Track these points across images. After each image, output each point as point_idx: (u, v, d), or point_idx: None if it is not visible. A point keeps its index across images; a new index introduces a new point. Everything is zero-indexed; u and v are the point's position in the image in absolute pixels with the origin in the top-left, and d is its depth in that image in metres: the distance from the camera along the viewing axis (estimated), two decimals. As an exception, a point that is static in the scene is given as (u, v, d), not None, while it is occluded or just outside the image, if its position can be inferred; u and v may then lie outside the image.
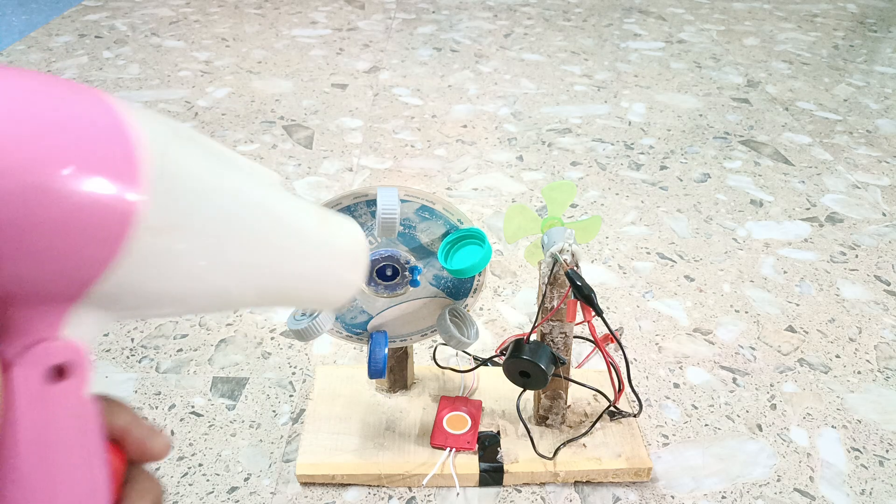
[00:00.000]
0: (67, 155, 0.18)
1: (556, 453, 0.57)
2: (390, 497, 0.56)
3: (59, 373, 0.20)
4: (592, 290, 0.50)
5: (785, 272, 0.84)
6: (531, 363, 0.52)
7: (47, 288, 0.19)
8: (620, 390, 0.55)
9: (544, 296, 0.53)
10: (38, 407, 0.20)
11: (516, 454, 0.58)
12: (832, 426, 0.64)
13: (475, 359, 0.66)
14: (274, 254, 0.24)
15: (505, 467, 0.57)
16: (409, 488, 0.57)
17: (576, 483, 0.58)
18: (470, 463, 0.57)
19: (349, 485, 0.57)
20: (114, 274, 0.19)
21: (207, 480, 0.57)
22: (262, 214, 0.24)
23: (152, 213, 0.19)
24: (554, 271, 0.52)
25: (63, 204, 0.18)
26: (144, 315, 0.23)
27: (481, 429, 0.59)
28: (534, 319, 0.58)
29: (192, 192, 0.21)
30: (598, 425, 0.60)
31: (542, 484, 0.58)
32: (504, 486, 0.57)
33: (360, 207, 0.50)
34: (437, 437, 0.58)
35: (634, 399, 0.63)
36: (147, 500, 0.23)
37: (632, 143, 1.13)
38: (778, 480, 0.59)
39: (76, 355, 0.20)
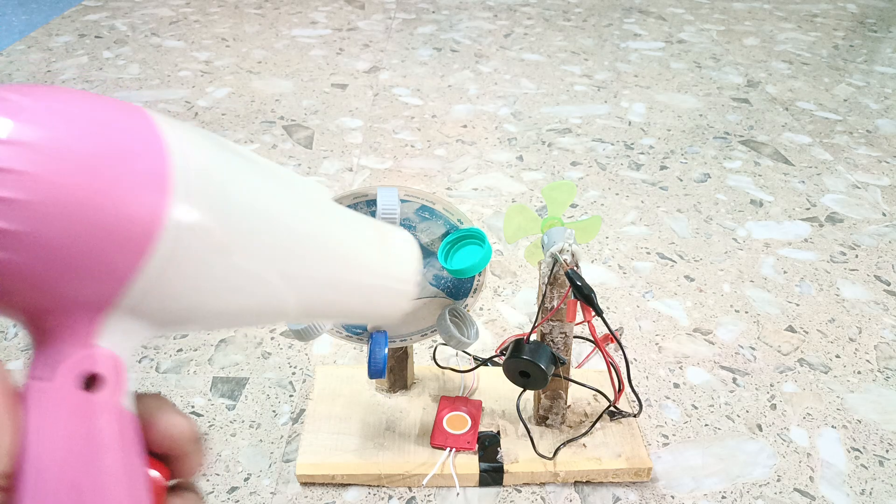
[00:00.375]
0: (104, 169, 0.18)
1: (556, 453, 0.57)
2: (390, 497, 0.56)
3: (94, 382, 0.20)
4: (592, 290, 0.50)
5: (785, 272, 0.84)
6: (531, 363, 0.52)
7: (79, 295, 0.19)
8: (620, 390, 0.55)
9: (544, 296, 0.53)
10: (72, 416, 0.20)
11: (516, 454, 0.58)
12: (832, 426, 0.64)
13: (475, 359, 0.66)
14: (320, 266, 0.24)
15: (505, 467, 0.57)
16: (409, 488, 0.57)
17: (576, 483, 0.58)
18: (470, 463, 0.57)
19: (349, 485, 0.57)
20: (143, 279, 0.19)
21: (207, 480, 0.57)
22: (306, 225, 0.24)
23: (180, 220, 0.19)
24: (554, 271, 0.52)
25: (96, 214, 0.18)
26: (185, 328, 0.22)
27: (481, 429, 0.59)
28: (534, 319, 0.58)
29: (226, 201, 0.21)
30: (598, 425, 0.60)
31: (542, 484, 0.58)
32: (504, 486, 0.57)
33: (360, 207, 0.50)
34: (437, 437, 0.58)
35: (634, 399, 0.63)
36: None
37: (632, 143, 1.13)
38: (778, 480, 0.59)
39: (111, 365, 0.20)
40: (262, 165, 0.23)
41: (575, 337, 0.56)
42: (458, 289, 0.55)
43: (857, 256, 0.88)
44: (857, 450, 0.62)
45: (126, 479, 0.20)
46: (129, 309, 0.20)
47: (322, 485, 0.57)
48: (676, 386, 0.67)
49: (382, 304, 0.28)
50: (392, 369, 0.61)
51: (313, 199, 0.24)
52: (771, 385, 0.68)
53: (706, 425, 0.63)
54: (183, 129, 0.21)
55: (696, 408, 0.65)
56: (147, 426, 0.22)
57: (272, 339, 0.71)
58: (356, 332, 0.56)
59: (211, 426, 0.61)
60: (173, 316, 0.21)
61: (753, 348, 0.72)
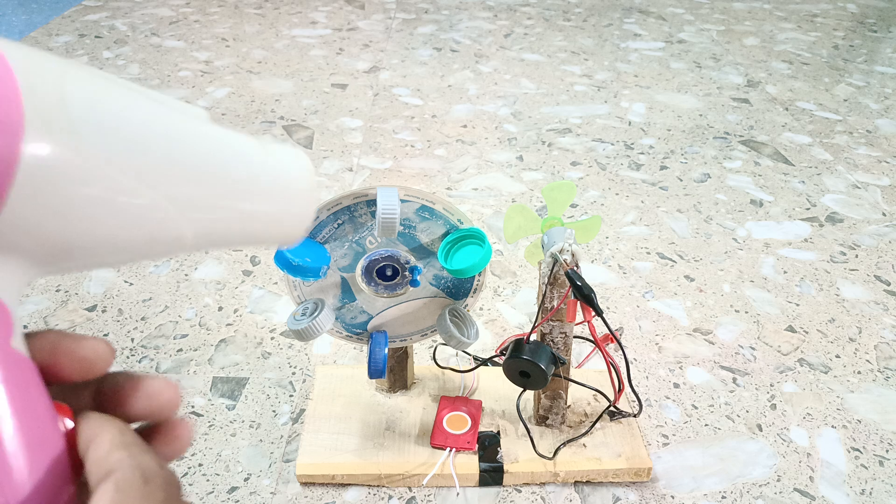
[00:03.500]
0: None
1: (556, 453, 0.57)
2: (390, 497, 0.56)
3: None
4: (592, 290, 0.50)
5: (785, 272, 0.84)
6: (531, 363, 0.52)
7: None
8: (620, 390, 0.55)
9: (544, 296, 0.53)
10: None
11: (516, 454, 0.58)
12: (832, 426, 0.64)
13: (475, 359, 0.66)
14: (197, 184, 0.23)
15: (505, 467, 0.57)
16: (409, 488, 0.57)
17: (576, 483, 0.58)
18: (470, 463, 0.57)
19: (349, 485, 0.57)
20: (6, 216, 0.19)
21: (207, 480, 0.57)
22: (180, 142, 0.22)
23: (37, 154, 0.19)
24: (554, 271, 0.52)
25: None
26: (72, 263, 0.22)
27: (481, 429, 0.59)
28: (534, 319, 0.58)
29: (87, 128, 0.20)
30: (598, 425, 0.60)
31: (542, 484, 0.58)
32: (504, 486, 0.57)
33: (360, 207, 0.50)
34: (437, 437, 0.58)
35: (634, 399, 0.63)
36: (106, 436, 0.21)
37: (632, 143, 1.13)
38: (778, 480, 0.59)
39: None
40: (127, 88, 0.22)
41: (575, 337, 0.56)
42: (458, 289, 0.55)
43: (857, 256, 0.88)
44: (857, 450, 0.62)
45: (22, 423, 0.20)
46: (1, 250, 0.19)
47: (322, 485, 0.57)
48: (676, 386, 0.67)
49: (279, 216, 0.26)
50: (392, 369, 0.61)
51: (188, 118, 0.23)
52: (771, 385, 0.68)
53: (706, 425, 0.63)
54: (38, 60, 0.20)
55: (696, 408, 0.65)
56: (54, 358, 0.22)
57: (272, 339, 0.71)
58: (356, 332, 0.56)
59: (211, 426, 0.61)
60: (53, 251, 0.20)
61: (753, 348, 0.72)
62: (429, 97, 1.27)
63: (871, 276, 0.84)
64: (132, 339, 0.70)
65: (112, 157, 0.20)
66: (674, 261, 0.85)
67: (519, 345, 0.53)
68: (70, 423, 0.22)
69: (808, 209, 0.98)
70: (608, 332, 0.54)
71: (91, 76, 0.21)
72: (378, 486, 0.57)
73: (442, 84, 1.33)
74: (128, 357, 0.68)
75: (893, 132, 1.22)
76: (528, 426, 0.59)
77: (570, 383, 0.58)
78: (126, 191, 0.21)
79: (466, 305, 0.56)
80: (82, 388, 0.23)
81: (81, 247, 0.21)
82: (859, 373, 0.70)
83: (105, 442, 0.21)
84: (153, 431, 0.24)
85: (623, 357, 0.53)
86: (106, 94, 0.21)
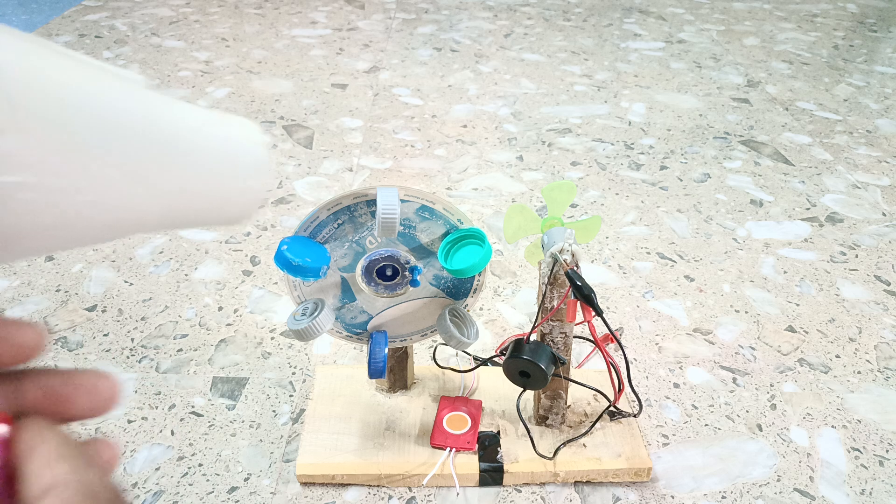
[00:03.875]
0: None
1: (556, 453, 0.57)
2: (390, 497, 0.56)
3: None
4: (592, 290, 0.50)
5: (785, 272, 0.84)
6: (531, 363, 0.52)
7: None
8: (620, 390, 0.55)
9: (544, 296, 0.53)
10: None
11: (516, 454, 0.58)
12: (832, 426, 0.64)
13: (475, 359, 0.66)
14: (133, 158, 0.20)
15: (505, 467, 0.57)
16: (409, 488, 0.57)
17: (576, 483, 0.58)
18: (470, 463, 0.57)
19: (349, 485, 0.57)
20: None
21: (207, 480, 0.57)
22: (110, 110, 0.20)
23: None
24: (554, 271, 0.52)
25: None
26: (24, 249, 0.20)
27: (481, 429, 0.59)
28: (534, 319, 0.58)
29: (31, 98, 0.18)
30: (598, 425, 0.60)
31: (542, 484, 0.58)
32: (504, 486, 0.57)
33: (360, 207, 0.50)
34: (437, 437, 0.58)
35: (634, 399, 0.63)
36: (47, 447, 0.19)
37: (632, 143, 1.13)
38: (778, 480, 0.59)
39: None
40: (47, 47, 0.20)
41: (575, 337, 0.56)
42: (458, 289, 0.55)
43: (857, 256, 0.88)
44: (857, 450, 0.62)
45: None
46: None
47: (322, 485, 0.57)
48: (676, 386, 0.67)
49: (229, 192, 0.25)
50: (392, 369, 0.61)
51: (122, 83, 0.21)
52: (771, 385, 0.68)
53: (706, 425, 0.63)
54: None
55: (696, 408, 0.65)
56: None
57: (272, 339, 0.71)
58: (356, 332, 0.56)
59: (211, 426, 0.61)
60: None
61: (753, 348, 0.72)
62: (429, 97, 1.27)
63: (871, 276, 0.84)
64: (132, 339, 0.70)
65: (38, 133, 0.18)
66: (674, 261, 0.85)
67: (519, 345, 0.53)
68: (4, 430, 0.20)
69: (808, 209, 0.98)
70: (608, 332, 0.54)
71: (30, 46, 0.19)
72: (378, 486, 0.57)
73: (442, 84, 1.33)
74: (128, 357, 0.68)
75: (893, 132, 1.22)
76: (528, 426, 0.59)
77: (570, 383, 0.58)
78: (57, 172, 0.18)
79: (466, 305, 0.56)
80: None
81: (6, 236, 0.18)
82: (859, 373, 0.70)
83: (45, 454, 0.19)
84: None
85: (623, 357, 0.53)
86: (23, 57, 0.18)
